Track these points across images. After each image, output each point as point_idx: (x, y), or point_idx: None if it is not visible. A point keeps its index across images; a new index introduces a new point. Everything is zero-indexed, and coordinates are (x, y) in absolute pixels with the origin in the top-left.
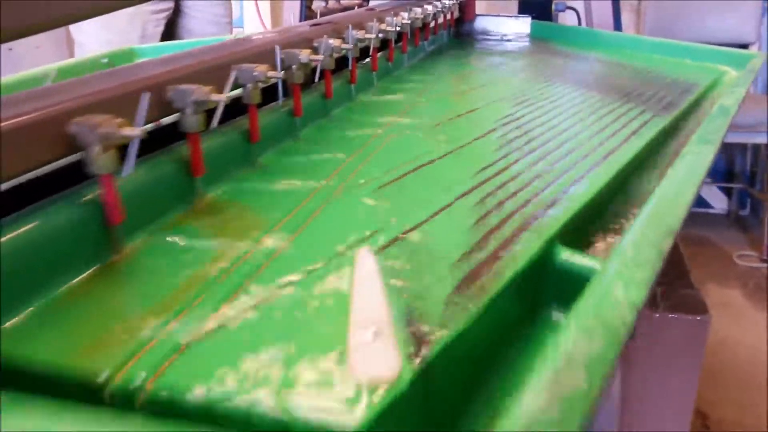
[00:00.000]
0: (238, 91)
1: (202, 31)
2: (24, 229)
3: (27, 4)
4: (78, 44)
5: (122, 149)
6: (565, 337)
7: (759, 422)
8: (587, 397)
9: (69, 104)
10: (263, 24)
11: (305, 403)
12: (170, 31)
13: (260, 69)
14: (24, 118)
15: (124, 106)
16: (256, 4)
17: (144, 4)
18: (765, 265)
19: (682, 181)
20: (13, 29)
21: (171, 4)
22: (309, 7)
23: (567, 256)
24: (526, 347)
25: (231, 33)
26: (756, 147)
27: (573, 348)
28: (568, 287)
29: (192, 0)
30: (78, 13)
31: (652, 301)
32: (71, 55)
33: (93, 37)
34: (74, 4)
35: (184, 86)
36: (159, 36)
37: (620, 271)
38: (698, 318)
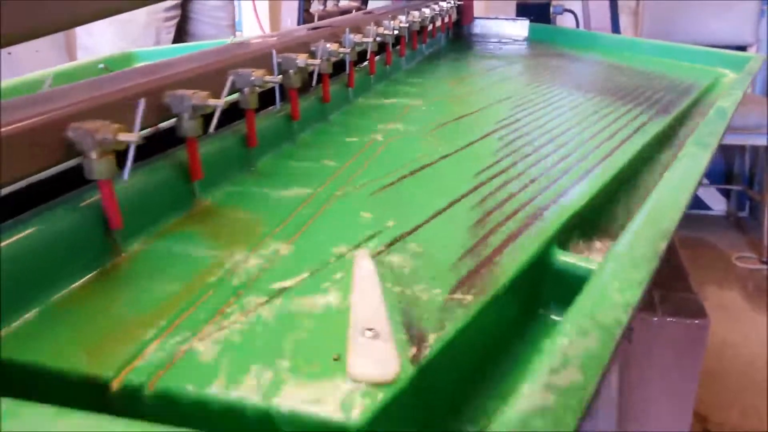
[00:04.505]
0: (236, 96)
1: (203, 33)
2: (24, 234)
3: (30, 6)
4: (85, 48)
5: (121, 154)
6: (561, 337)
7: (760, 425)
8: (583, 393)
9: (67, 110)
10: (261, 27)
11: (305, 405)
12: (177, 37)
13: (257, 74)
14: (22, 123)
15: (121, 111)
16: (254, 8)
17: (157, 12)
18: (764, 266)
19: (678, 184)
20: (15, 33)
21: (179, 11)
22: (307, 11)
23: (564, 257)
24: (524, 347)
25: (231, 34)
26: (755, 149)
27: (569, 347)
28: (565, 288)
29: (197, 5)
30: (82, 16)
31: (651, 305)
32: (72, 59)
33: (105, 44)
34: (76, 6)
35: (181, 91)
36: (170, 42)
37: (616, 272)
38: (696, 322)
